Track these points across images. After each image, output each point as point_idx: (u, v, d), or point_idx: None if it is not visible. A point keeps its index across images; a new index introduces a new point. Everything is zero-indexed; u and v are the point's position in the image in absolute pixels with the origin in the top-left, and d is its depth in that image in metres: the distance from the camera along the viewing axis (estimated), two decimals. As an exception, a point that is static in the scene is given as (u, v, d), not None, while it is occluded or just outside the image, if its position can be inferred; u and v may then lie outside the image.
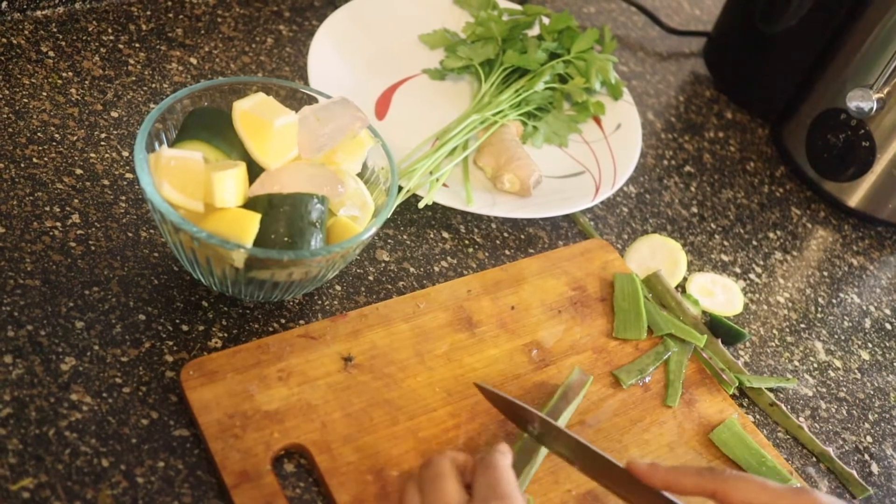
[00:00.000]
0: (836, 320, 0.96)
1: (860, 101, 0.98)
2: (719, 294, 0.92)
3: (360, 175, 0.78)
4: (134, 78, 0.90)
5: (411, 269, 0.84)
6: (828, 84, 1.06)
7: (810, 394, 0.87)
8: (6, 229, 0.74)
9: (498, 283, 0.84)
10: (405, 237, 0.86)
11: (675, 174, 1.06)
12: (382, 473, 0.67)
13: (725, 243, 1.00)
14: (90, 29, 0.93)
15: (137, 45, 0.94)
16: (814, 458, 0.82)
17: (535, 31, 1.07)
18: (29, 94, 0.84)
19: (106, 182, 0.80)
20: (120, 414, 0.66)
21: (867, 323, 0.97)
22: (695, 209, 1.02)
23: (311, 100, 0.79)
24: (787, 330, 0.93)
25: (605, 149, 1.00)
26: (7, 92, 0.84)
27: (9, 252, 0.72)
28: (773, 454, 0.78)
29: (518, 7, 1.09)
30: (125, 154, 0.83)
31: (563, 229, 0.93)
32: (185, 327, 0.73)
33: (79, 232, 0.76)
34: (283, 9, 1.05)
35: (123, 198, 0.80)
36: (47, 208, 0.76)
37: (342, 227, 0.73)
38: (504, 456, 0.63)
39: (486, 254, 0.88)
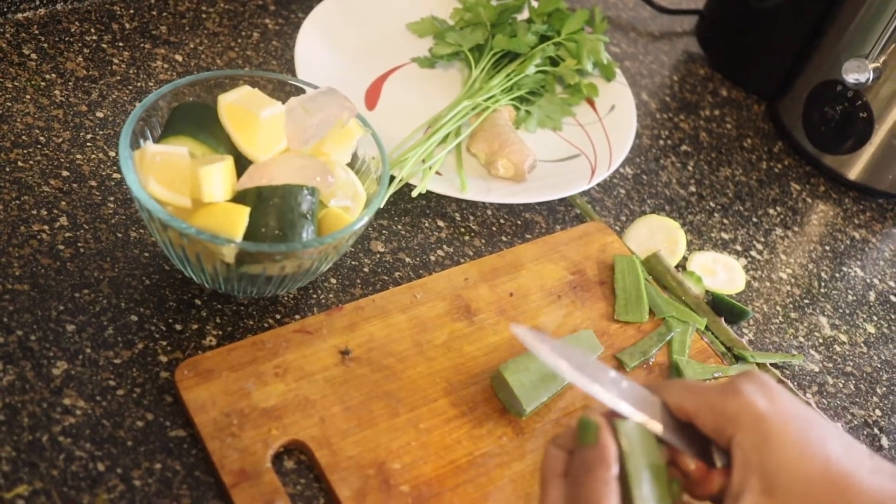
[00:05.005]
0: (840, 294, 0.95)
1: (856, 71, 0.97)
2: (721, 272, 0.91)
3: (351, 165, 0.77)
4: (118, 77, 0.89)
5: (407, 260, 0.83)
6: (822, 56, 1.05)
7: (817, 369, 0.86)
8: (-7, 234, 0.73)
9: (495, 269, 0.82)
10: (399, 227, 0.85)
11: (671, 154, 1.04)
12: (384, 467, 0.66)
13: (725, 221, 0.98)
14: (73, 30, 0.92)
15: (121, 44, 0.92)
16: (823, 435, 0.80)
17: (524, 14, 1.06)
18: (12, 97, 0.83)
19: (93, 183, 0.79)
20: (114, 417, 0.65)
21: (871, 296, 0.96)
22: (693, 188, 1.01)
23: (299, 91, 0.77)
24: (791, 306, 0.92)
25: (600, 131, 0.99)
26: (-10, 96, 0.83)
27: (-4, 257, 0.71)
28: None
29: (506, -9, 1.07)
30: (112, 154, 0.82)
31: (560, 213, 0.92)
32: (178, 327, 0.71)
33: (67, 234, 0.74)
34: (268, 2, 1.03)
35: (111, 198, 0.78)
36: (34, 212, 0.75)
37: (334, 217, 0.72)
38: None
39: (483, 241, 0.87)
